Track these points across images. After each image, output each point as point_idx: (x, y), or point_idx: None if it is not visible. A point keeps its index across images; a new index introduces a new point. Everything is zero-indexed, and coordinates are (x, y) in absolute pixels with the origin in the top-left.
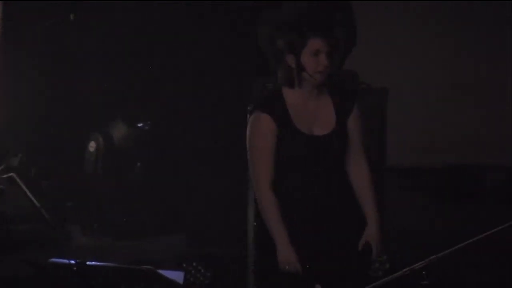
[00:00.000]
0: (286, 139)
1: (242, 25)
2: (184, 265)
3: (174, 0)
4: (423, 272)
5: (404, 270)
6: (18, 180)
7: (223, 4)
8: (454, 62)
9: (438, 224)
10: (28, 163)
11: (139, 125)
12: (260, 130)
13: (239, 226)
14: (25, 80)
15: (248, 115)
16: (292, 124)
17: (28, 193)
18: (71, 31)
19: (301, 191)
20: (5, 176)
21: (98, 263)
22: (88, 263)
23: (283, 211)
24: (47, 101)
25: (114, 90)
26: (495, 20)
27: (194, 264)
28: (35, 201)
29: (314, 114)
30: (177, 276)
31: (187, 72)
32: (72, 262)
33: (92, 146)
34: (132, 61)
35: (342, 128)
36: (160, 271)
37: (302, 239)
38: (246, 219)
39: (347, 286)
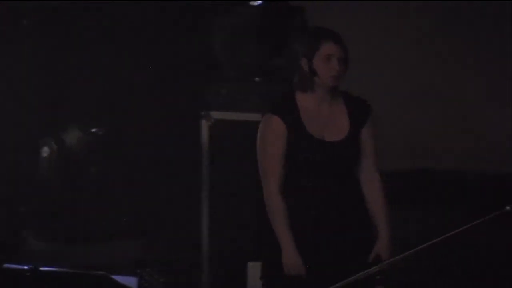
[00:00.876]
0: (297, 142)
1: (197, 29)
2: (138, 270)
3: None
4: (377, 277)
5: (358, 274)
6: None
7: (178, 8)
8: (422, 66)
9: (408, 228)
10: None
11: (93, 130)
12: (271, 132)
13: (194, 232)
14: None
15: (262, 117)
16: (303, 127)
17: None
18: (25, 34)
19: (310, 196)
20: None
21: (52, 268)
22: (41, 268)
23: (291, 215)
24: None
25: (68, 95)
26: (467, 29)
27: (148, 269)
28: None
29: (327, 119)
30: (131, 281)
31: (141, 76)
32: (26, 267)
33: (45, 151)
34: (86, 65)
35: (355, 136)
36: (114, 277)
37: (309, 244)
38: (201, 224)
39: None
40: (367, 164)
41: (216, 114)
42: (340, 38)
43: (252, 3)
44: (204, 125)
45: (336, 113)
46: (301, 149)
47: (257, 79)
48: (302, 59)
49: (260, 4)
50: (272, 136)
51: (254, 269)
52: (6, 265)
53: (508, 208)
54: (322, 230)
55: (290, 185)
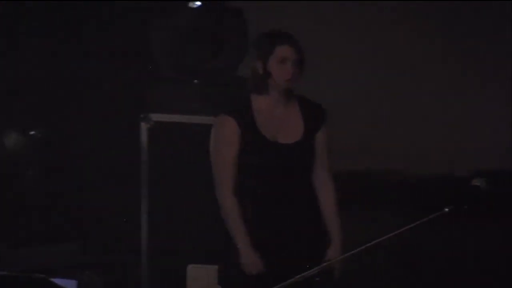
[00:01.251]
0: (250, 144)
1: (138, 32)
2: (78, 273)
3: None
4: (317, 278)
5: (297, 276)
6: None
7: (117, 8)
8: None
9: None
10: None
11: (32, 132)
12: (224, 133)
13: (133, 234)
14: None
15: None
16: (257, 129)
17: None
18: None
19: (264, 197)
20: None
21: None
22: None
23: (245, 217)
24: None
25: (6, 96)
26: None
27: (87, 272)
28: None
29: (281, 122)
30: (70, 284)
31: (81, 79)
32: None
33: None
34: (23, 68)
35: (309, 140)
36: (53, 280)
37: (264, 245)
38: (140, 226)
39: None
40: (321, 168)
41: (155, 116)
42: (295, 40)
43: (191, 4)
44: (144, 127)
45: (290, 116)
46: (255, 151)
47: (196, 81)
48: (257, 62)
49: (199, 6)
50: (225, 137)
51: (193, 271)
52: None
53: (446, 209)
54: (276, 232)
55: (244, 186)
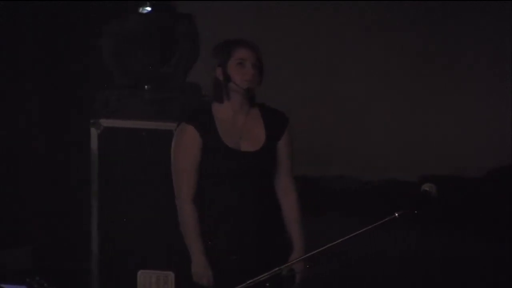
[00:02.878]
0: (212, 152)
1: (86, 36)
2: (27, 279)
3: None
4: (267, 284)
5: (248, 282)
6: None
7: (67, 13)
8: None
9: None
10: None
11: None
12: (185, 141)
13: (84, 239)
14: None
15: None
16: (218, 137)
17: None
18: None
19: (224, 206)
20: None
21: None
22: None
23: (206, 224)
24: None
25: None
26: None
27: (37, 278)
28: None
29: (243, 130)
30: None
31: (30, 81)
32: None
33: None
34: None
35: (271, 148)
36: (3, 285)
37: (222, 254)
38: (91, 232)
39: None
40: (284, 176)
41: (105, 122)
42: (253, 44)
43: (141, 10)
44: (94, 133)
45: (252, 124)
46: (217, 159)
47: (146, 86)
48: (217, 69)
49: (149, 12)
50: (185, 145)
51: (144, 277)
52: None
53: (397, 215)
54: (238, 239)
55: (205, 194)
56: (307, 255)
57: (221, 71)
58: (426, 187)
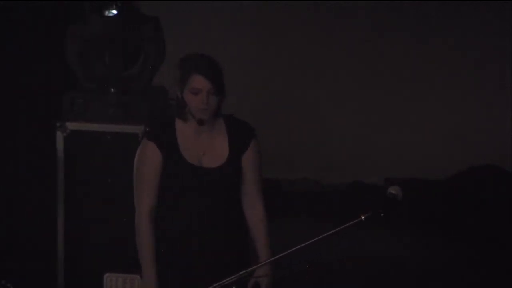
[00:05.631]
0: (173, 169)
1: (52, 38)
2: None
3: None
4: (233, 287)
5: (214, 285)
6: None
7: (34, 14)
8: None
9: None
10: None
11: None
12: (145, 157)
13: (49, 242)
14: None
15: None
16: (179, 154)
17: None
18: None
19: (185, 222)
20: None
21: None
22: None
23: (168, 239)
24: None
25: None
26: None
27: (3, 282)
28: None
29: (206, 145)
30: None
31: None
32: None
33: None
34: None
35: (234, 162)
36: None
37: (185, 268)
38: (56, 235)
39: None
40: (250, 190)
41: (71, 125)
42: (212, 70)
43: (106, 13)
44: (60, 136)
45: (216, 138)
46: (178, 176)
47: (112, 89)
48: (177, 89)
49: (114, 15)
50: (146, 162)
51: (110, 279)
52: None
53: (363, 217)
54: (200, 254)
55: (168, 210)
56: (274, 257)
57: (180, 94)
58: (392, 189)
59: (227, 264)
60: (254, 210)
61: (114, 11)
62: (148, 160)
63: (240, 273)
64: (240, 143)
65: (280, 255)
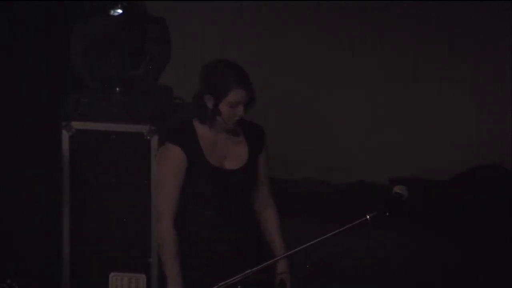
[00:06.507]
0: (198, 172)
1: (57, 38)
2: None
3: None
4: (238, 286)
5: (219, 284)
6: None
7: (40, 14)
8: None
9: None
10: None
11: None
12: (171, 162)
13: (55, 242)
14: None
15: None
16: (203, 157)
17: None
18: None
19: (212, 223)
20: None
21: None
22: None
23: (191, 243)
24: None
25: None
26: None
27: (8, 281)
28: None
29: (226, 148)
30: None
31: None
32: None
33: None
34: None
35: (253, 163)
36: None
37: (209, 271)
38: (62, 234)
39: None
40: (263, 190)
41: (77, 124)
42: (248, 82)
43: (111, 13)
44: (65, 135)
45: (235, 141)
46: (202, 179)
47: (117, 89)
48: (208, 96)
49: (119, 14)
50: (171, 166)
51: (115, 279)
52: None
53: (368, 217)
54: (227, 254)
55: (195, 213)
56: (278, 257)
57: (213, 103)
58: (397, 189)
59: (251, 263)
60: (268, 210)
61: (119, 11)
62: (174, 164)
63: (245, 272)
64: (256, 144)
65: (284, 255)
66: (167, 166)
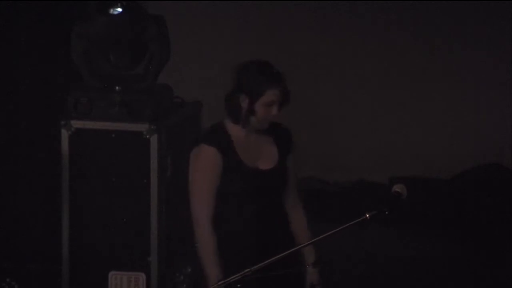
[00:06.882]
0: (233, 172)
1: (57, 36)
2: None
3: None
4: (238, 285)
5: (219, 283)
6: None
7: (39, 13)
8: None
9: None
10: None
11: None
12: (208, 163)
13: (54, 240)
14: None
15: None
16: (238, 158)
17: None
18: None
19: (248, 222)
20: None
21: None
22: None
23: (226, 243)
24: None
25: None
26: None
27: (8, 280)
28: None
29: (258, 148)
30: None
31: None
32: None
33: None
34: None
35: (284, 164)
36: None
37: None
38: (62, 233)
39: None
40: (293, 191)
41: (76, 123)
42: (284, 81)
43: (111, 12)
44: (64, 134)
45: (265, 141)
46: (237, 180)
47: (117, 88)
48: (243, 96)
49: (119, 13)
50: (207, 168)
51: (115, 278)
52: None
53: (368, 215)
54: (262, 253)
55: (231, 213)
56: (279, 255)
57: (248, 102)
58: (397, 188)
59: (285, 262)
60: (297, 211)
61: (119, 10)
62: (210, 166)
63: (244, 271)
64: (285, 145)
65: (284, 253)
66: (203, 168)
